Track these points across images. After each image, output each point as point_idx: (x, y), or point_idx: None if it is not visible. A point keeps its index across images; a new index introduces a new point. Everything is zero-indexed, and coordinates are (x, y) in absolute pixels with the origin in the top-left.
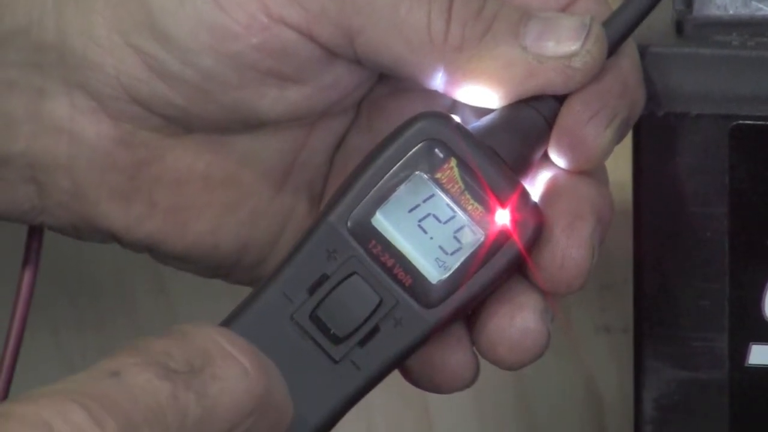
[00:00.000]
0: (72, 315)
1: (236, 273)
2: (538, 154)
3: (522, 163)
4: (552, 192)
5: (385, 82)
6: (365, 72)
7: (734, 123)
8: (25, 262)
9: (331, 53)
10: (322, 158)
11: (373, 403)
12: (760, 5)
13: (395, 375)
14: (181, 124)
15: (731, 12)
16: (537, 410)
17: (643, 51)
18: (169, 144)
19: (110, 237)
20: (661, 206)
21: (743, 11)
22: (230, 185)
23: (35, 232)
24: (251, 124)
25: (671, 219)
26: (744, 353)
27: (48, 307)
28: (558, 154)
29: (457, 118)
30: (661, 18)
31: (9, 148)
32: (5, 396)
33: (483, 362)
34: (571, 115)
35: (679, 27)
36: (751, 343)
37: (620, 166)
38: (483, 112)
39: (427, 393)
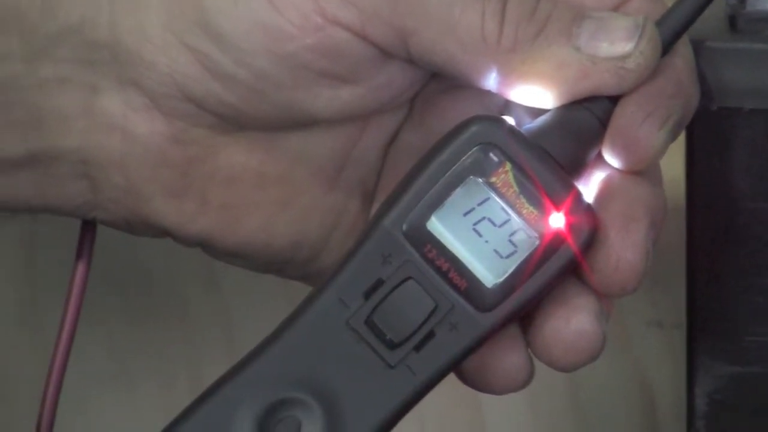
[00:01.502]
0: (124, 309)
1: (288, 269)
2: (592, 156)
3: (576, 165)
4: (606, 193)
5: (439, 79)
6: (418, 71)
7: None
8: (78, 256)
9: (384, 53)
10: (375, 155)
11: (426, 401)
12: None
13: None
14: (234, 122)
15: None
16: (589, 405)
17: (696, 46)
18: (222, 142)
19: (163, 233)
20: (714, 201)
21: None
22: (282, 183)
23: (88, 227)
24: (304, 123)
25: (724, 214)
26: None
27: (100, 302)
28: (612, 155)
29: (510, 121)
30: (714, 13)
31: (62, 143)
32: (59, 388)
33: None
34: (625, 116)
35: (732, 22)
36: None
37: (673, 162)
38: (536, 112)
39: (481, 393)
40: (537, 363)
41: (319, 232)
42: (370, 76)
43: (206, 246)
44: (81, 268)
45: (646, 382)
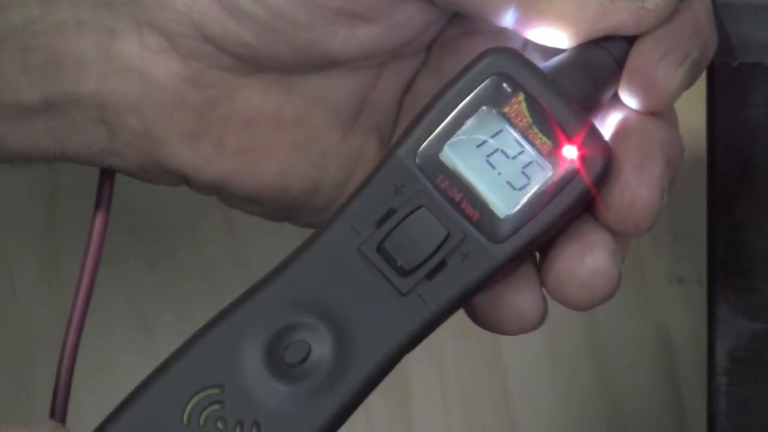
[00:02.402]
0: (143, 257)
1: (305, 215)
2: (608, 95)
3: (591, 102)
4: (622, 132)
5: (456, 24)
6: (436, 11)
7: None
8: (97, 206)
9: None
10: (392, 100)
11: (445, 349)
12: None
13: (466, 322)
14: (251, 63)
15: None
16: (610, 360)
17: (717, 1)
18: (239, 84)
19: (179, 178)
20: (734, 156)
21: None
22: (300, 126)
23: (107, 176)
24: (321, 64)
25: (745, 169)
26: None
27: (121, 263)
28: (629, 94)
29: (525, 55)
30: None
31: (79, 88)
32: (76, 347)
33: (557, 310)
34: (642, 54)
35: None
36: None
37: (694, 117)
38: (553, 53)
39: (500, 341)
40: (558, 315)
41: (336, 176)
42: (387, 15)
43: (222, 191)
44: (100, 218)
45: (668, 338)
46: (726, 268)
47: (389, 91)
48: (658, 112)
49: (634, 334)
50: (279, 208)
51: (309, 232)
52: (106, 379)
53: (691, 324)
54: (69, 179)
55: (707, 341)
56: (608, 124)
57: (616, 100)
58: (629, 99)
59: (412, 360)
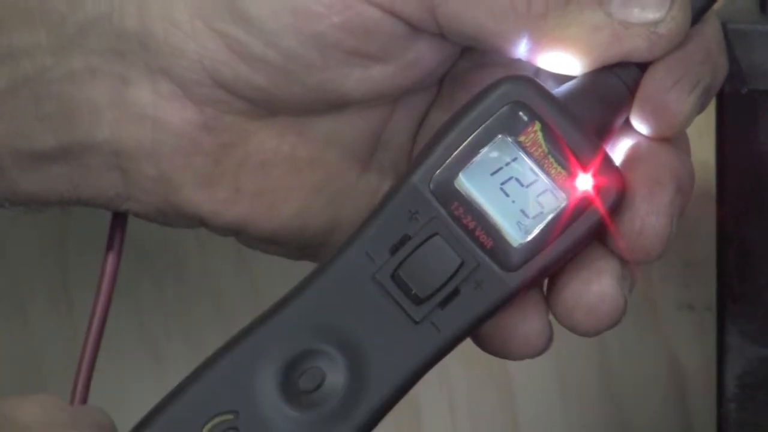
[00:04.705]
0: (156, 297)
1: (323, 253)
2: (620, 121)
3: (604, 129)
4: (633, 158)
5: (467, 57)
6: (448, 46)
7: None
8: (109, 248)
9: (413, 28)
10: (406, 136)
11: (456, 377)
12: None
13: (476, 350)
14: (265, 106)
15: None
16: (620, 387)
17: (728, 28)
18: (254, 127)
19: (196, 222)
20: (744, 183)
21: None
22: (315, 166)
23: (119, 218)
24: (335, 105)
25: (755, 196)
26: None
27: (132, 289)
28: (641, 120)
29: (540, 84)
30: None
31: (93, 135)
32: (89, 379)
33: (566, 337)
34: (654, 81)
35: (763, 5)
36: None
37: (704, 145)
38: (565, 80)
39: (510, 370)
40: (568, 342)
41: (353, 214)
42: (399, 54)
43: (240, 234)
44: (111, 260)
45: (677, 364)
46: (735, 295)
47: (403, 127)
48: (670, 139)
49: (644, 361)
50: (297, 247)
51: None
52: (117, 407)
53: (700, 351)
54: (81, 210)
55: (717, 368)
56: (619, 150)
57: (627, 125)
58: (641, 125)
59: (422, 388)
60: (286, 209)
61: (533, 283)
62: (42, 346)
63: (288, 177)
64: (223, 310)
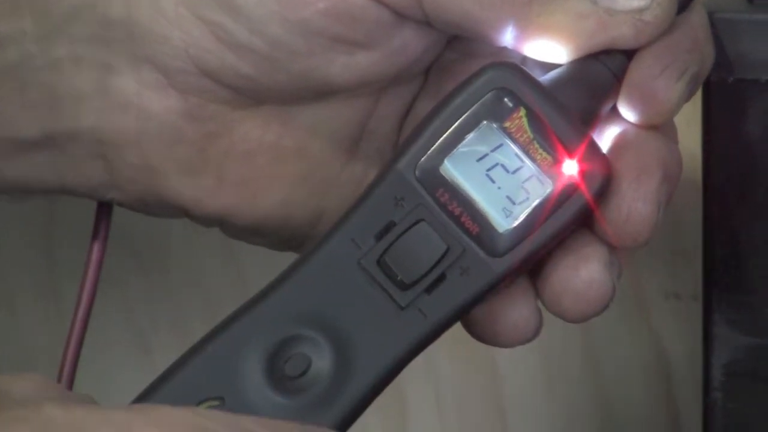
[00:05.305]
0: (143, 288)
1: (308, 244)
2: (606, 108)
3: (590, 116)
4: (620, 146)
5: (453, 48)
6: (433, 34)
7: None
8: (94, 237)
9: (399, 15)
10: (391, 125)
11: (441, 367)
12: None
13: (462, 341)
14: (250, 95)
15: None
16: (605, 375)
17: (715, 17)
18: (239, 116)
19: (180, 212)
20: (730, 172)
21: None
22: (300, 156)
23: (104, 207)
24: (320, 93)
25: (741, 185)
26: None
27: (119, 281)
28: (628, 107)
29: (526, 70)
30: None
31: (77, 124)
32: (74, 369)
33: (552, 326)
34: (642, 68)
35: None
36: None
37: (690, 134)
38: (551, 67)
39: (496, 360)
40: (554, 331)
41: (338, 204)
42: (385, 41)
43: (224, 224)
44: (97, 249)
45: (663, 353)
46: (722, 284)
47: (388, 116)
48: (657, 126)
49: (630, 349)
50: (282, 238)
51: None
52: (104, 397)
53: (686, 339)
54: (67, 199)
55: (703, 356)
56: (606, 138)
57: (614, 113)
58: (628, 113)
59: (408, 376)
60: (270, 199)
61: (520, 269)
62: (30, 337)
63: (272, 166)
64: (210, 300)
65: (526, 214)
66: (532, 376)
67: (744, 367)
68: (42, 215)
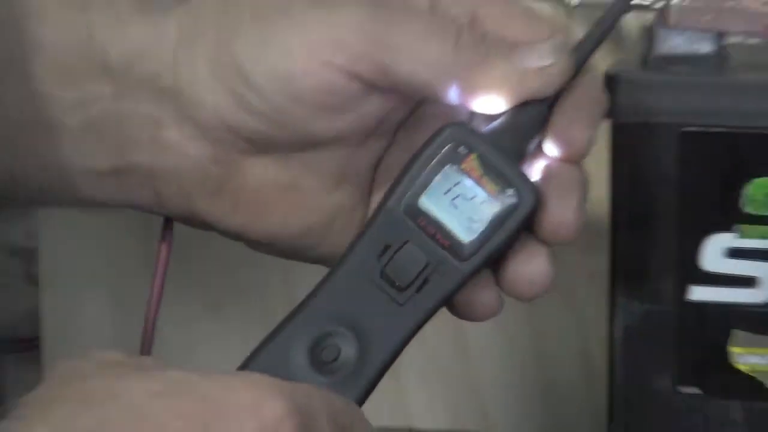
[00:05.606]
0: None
1: (305, 254)
2: (534, 145)
3: (522, 153)
4: (549, 174)
5: (415, 113)
6: (398, 100)
7: (682, 129)
8: (162, 239)
9: (370, 86)
10: (367, 169)
11: (428, 344)
12: (698, 46)
13: (443, 323)
14: (259, 145)
15: (679, 51)
16: (544, 336)
17: (617, 77)
18: (249, 161)
19: (209, 227)
20: (630, 191)
21: (688, 49)
22: (295, 189)
23: (169, 221)
24: (309, 144)
25: (635, 199)
26: (684, 292)
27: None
28: (554, 148)
29: (473, 126)
30: (632, 52)
31: (136, 161)
32: (152, 337)
33: (505, 309)
34: (562, 118)
35: (643, 60)
36: (690, 284)
37: (599, 167)
38: (492, 118)
39: (467, 339)
40: (507, 318)
41: (322, 222)
42: (356, 108)
43: (241, 238)
44: (164, 250)
45: (584, 319)
46: (624, 268)
47: (364, 163)
48: (575, 161)
49: (557, 319)
50: (285, 249)
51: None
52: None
53: (600, 307)
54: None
55: (609, 320)
56: (539, 168)
57: (540, 150)
58: (554, 152)
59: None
60: (272, 220)
61: (481, 268)
62: (98, 333)
63: (273, 197)
64: (265, 309)
65: (482, 228)
66: (495, 348)
67: (638, 328)
68: (113, 227)
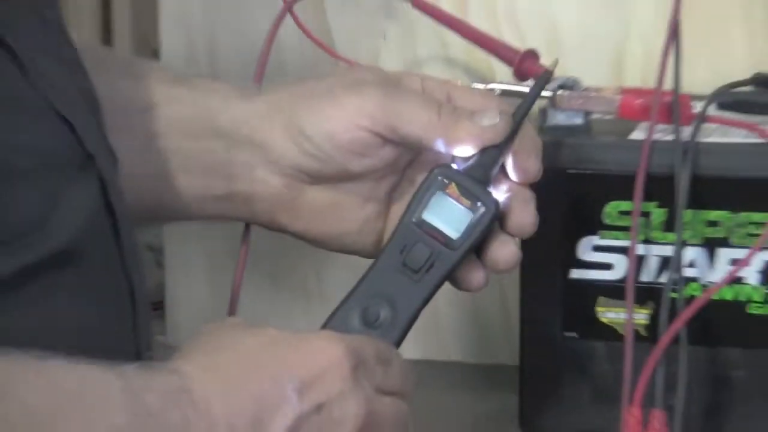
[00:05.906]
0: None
1: (347, 248)
2: (496, 172)
3: (488, 178)
4: (512, 190)
5: (417, 158)
6: (404, 150)
7: (567, 171)
8: (243, 241)
9: (385, 140)
10: (385, 194)
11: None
12: (574, 120)
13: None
14: (313, 178)
15: (562, 123)
16: (501, 301)
17: (564, 141)
18: (308, 188)
19: (284, 232)
20: (534, 208)
21: (568, 122)
22: (338, 207)
23: (247, 227)
24: (346, 177)
25: (538, 212)
26: (568, 273)
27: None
28: (515, 176)
29: (454, 165)
30: (534, 123)
31: (237, 190)
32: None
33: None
34: (519, 155)
35: (540, 128)
36: (571, 268)
37: None
38: (468, 158)
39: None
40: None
41: (356, 227)
42: (376, 153)
43: (304, 238)
44: (244, 248)
45: (504, 292)
46: (529, 256)
47: (383, 190)
48: (529, 183)
49: (493, 290)
50: (334, 247)
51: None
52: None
53: (515, 279)
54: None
55: (521, 288)
56: (501, 187)
57: (504, 175)
58: (516, 177)
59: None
60: (322, 227)
61: (466, 254)
62: (199, 311)
63: (324, 211)
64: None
65: (464, 228)
66: (461, 300)
67: (539, 297)
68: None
